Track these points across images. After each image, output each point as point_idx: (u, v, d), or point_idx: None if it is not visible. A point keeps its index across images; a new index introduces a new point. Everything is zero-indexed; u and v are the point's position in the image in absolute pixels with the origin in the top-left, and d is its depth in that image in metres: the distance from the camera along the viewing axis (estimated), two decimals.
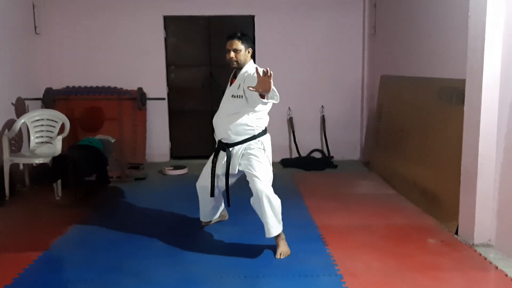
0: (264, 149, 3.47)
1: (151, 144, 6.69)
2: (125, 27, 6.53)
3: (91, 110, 6.34)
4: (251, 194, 3.41)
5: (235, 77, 3.55)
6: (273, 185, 3.43)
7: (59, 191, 4.89)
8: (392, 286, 2.96)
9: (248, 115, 3.42)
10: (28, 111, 5.63)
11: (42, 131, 5.40)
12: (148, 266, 3.25)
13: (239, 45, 3.43)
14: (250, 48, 3.51)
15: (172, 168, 6.15)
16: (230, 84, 3.58)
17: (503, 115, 3.42)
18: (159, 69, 6.65)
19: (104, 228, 4.02)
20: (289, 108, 6.73)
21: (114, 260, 3.38)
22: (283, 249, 3.42)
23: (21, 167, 5.07)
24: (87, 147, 5.34)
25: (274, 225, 3.37)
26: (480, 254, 3.41)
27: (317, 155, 6.85)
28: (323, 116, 6.79)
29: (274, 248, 3.45)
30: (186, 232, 3.92)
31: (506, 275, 3.08)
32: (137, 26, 6.52)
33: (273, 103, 3.26)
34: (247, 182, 3.44)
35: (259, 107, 3.37)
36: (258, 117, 3.46)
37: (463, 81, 3.71)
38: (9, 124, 5.30)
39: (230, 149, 3.51)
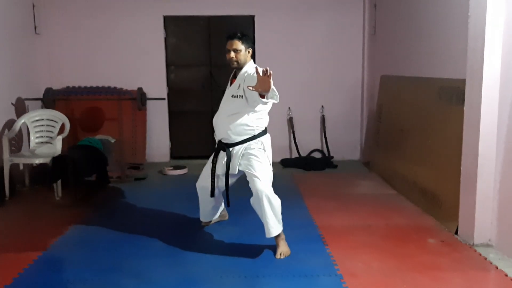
0: (264, 149, 3.47)
1: (151, 144, 6.69)
2: (125, 27, 6.53)
3: (91, 110, 6.33)
4: (251, 194, 3.41)
5: (235, 77, 3.55)
6: (273, 185, 3.43)
7: (59, 191, 4.89)
8: (392, 286, 2.96)
9: (248, 115, 3.42)
10: (28, 111, 5.63)
11: (42, 131, 5.40)
12: (148, 266, 3.25)
13: (239, 45, 3.43)
14: (250, 48, 3.51)
15: (172, 168, 6.15)
16: (230, 84, 3.58)
17: (503, 115, 3.42)
18: (159, 69, 6.65)
19: (104, 228, 4.02)
20: (289, 108, 6.73)
21: (114, 260, 3.38)
22: (283, 249, 3.42)
23: (21, 167, 5.07)
24: (87, 147, 5.34)
25: (274, 225, 3.37)
26: (480, 254, 3.41)
27: (317, 155, 6.85)
28: (323, 116, 6.79)
29: (274, 248, 3.45)
30: (186, 232, 3.92)
31: (506, 275, 3.08)
32: (137, 26, 6.52)
33: (273, 103, 3.26)
34: (247, 182, 3.44)
35: (259, 107, 3.37)
36: (258, 117, 3.46)
37: (463, 81, 3.71)
38: (9, 124, 5.30)
39: (230, 149, 3.51)
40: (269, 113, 3.55)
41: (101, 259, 3.39)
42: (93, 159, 5.19)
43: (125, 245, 3.65)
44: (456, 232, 3.79)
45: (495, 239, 3.54)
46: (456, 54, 4.01)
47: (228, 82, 3.63)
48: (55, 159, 4.83)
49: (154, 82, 6.58)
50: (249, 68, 3.45)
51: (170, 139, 6.89)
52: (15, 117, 5.43)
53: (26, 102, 5.75)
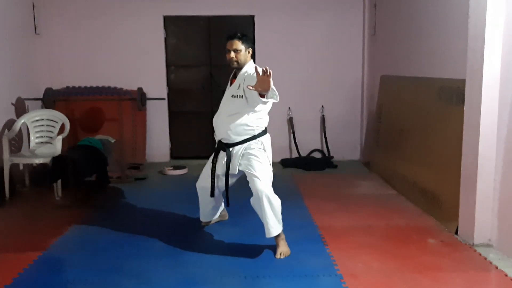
0: (264, 149, 3.47)
1: (151, 144, 6.69)
2: (125, 27, 6.52)
3: (91, 110, 6.33)
4: (251, 194, 3.41)
5: (235, 77, 3.55)
6: (273, 185, 3.43)
7: (59, 191, 4.89)
8: (392, 286, 2.96)
9: (248, 115, 3.42)
10: (28, 111, 5.63)
11: (42, 131, 5.39)
12: (148, 267, 3.25)
13: (239, 45, 3.43)
14: (250, 48, 3.51)
15: (172, 168, 6.15)
16: (230, 84, 3.58)
17: (503, 115, 3.42)
18: (159, 69, 6.65)
19: (104, 228, 4.02)
20: (289, 108, 6.73)
21: (114, 260, 3.38)
22: (283, 249, 3.42)
23: (21, 167, 5.07)
24: (87, 147, 5.34)
25: (274, 225, 3.37)
26: (480, 254, 3.41)
27: (317, 155, 6.85)
28: (323, 116, 6.79)
29: (274, 248, 3.45)
30: (186, 233, 3.92)
31: (506, 275, 3.07)
32: (137, 26, 6.52)
33: (273, 103, 3.27)
34: (247, 182, 3.44)
35: (259, 107, 3.37)
36: (258, 117, 3.46)
37: (463, 81, 3.71)
38: (9, 124, 5.30)
39: (230, 149, 3.51)
40: (269, 113, 3.55)
41: (101, 259, 3.39)
42: (93, 159, 5.19)
43: (125, 245, 3.65)
44: (456, 232, 3.79)
45: (495, 239, 3.54)
46: (456, 54, 4.01)
47: (228, 82, 3.63)
48: (55, 159, 4.83)
49: (154, 82, 6.58)
50: (249, 68, 3.45)
51: (170, 139, 6.89)
52: (15, 117, 5.43)
53: (26, 102, 5.75)
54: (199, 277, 3.11)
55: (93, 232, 3.95)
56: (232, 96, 3.47)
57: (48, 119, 5.41)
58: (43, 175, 5.19)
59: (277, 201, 3.37)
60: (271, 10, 6.59)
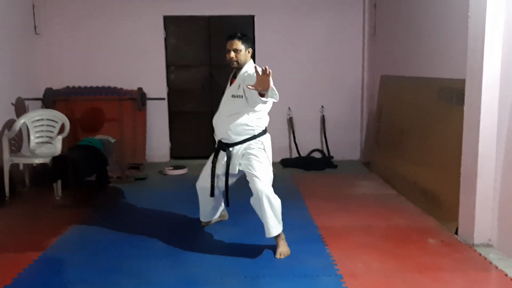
0: (264, 149, 3.47)
1: (151, 144, 6.69)
2: (125, 27, 6.53)
3: (91, 110, 6.33)
4: (251, 194, 3.41)
5: (235, 77, 3.56)
6: (273, 185, 3.43)
7: (59, 191, 4.90)
8: (392, 286, 2.96)
9: (248, 115, 3.42)
10: (28, 111, 5.63)
11: (42, 131, 5.39)
12: (148, 267, 3.25)
13: (239, 45, 3.43)
14: (250, 48, 3.51)
15: (172, 168, 6.15)
16: (230, 84, 3.58)
17: (503, 115, 3.42)
18: (159, 69, 6.66)
19: (104, 228, 4.02)
20: (289, 108, 6.73)
21: (114, 260, 3.38)
22: (283, 249, 3.42)
23: (21, 167, 5.07)
24: (87, 147, 5.33)
25: (274, 225, 3.37)
26: (480, 254, 3.41)
27: (317, 155, 6.85)
28: (323, 116, 6.79)
29: (274, 248, 3.45)
30: (186, 233, 3.92)
31: (506, 275, 3.08)
32: (137, 26, 6.52)
33: (273, 103, 3.27)
34: (247, 182, 3.44)
35: (259, 107, 3.37)
36: (258, 117, 3.46)
37: (463, 81, 3.71)
38: (9, 124, 5.30)
39: (230, 149, 3.51)
40: (269, 113, 3.55)
41: (101, 259, 3.39)
42: (93, 159, 5.19)
43: (125, 245, 3.65)
44: (456, 232, 3.79)
45: (495, 239, 3.54)
46: (456, 54, 4.01)
47: (228, 82, 3.63)
48: (55, 159, 4.83)
49: (154, 82, 6.58)
50: (249, 68, 3.45)
51: (170, 139, 6.89)
52: (15, 117, 5.43)
53: (26, 102, 5.75)
54: (199, 277, 3.11)
55: (93, 232, 3.95)
56: (232, 96, 3.47)
57: (48, 119, 5.41)
58: (43, 175, 5.19)
59: (277, 201, 3.37)
60: (271, 10, 6.59)
